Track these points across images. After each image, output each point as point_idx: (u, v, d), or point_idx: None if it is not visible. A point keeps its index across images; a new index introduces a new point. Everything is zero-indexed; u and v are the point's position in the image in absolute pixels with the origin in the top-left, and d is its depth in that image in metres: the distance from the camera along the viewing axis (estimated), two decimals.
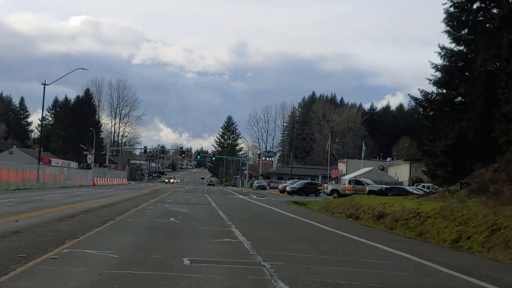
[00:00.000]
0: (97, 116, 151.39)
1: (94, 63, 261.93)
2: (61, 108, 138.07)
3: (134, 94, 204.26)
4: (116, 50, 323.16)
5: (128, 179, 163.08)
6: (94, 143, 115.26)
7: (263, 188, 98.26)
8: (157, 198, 48.94)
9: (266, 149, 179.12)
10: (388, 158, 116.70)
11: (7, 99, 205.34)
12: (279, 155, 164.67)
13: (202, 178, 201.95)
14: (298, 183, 72.04)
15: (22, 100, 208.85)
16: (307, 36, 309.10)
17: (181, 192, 68.88)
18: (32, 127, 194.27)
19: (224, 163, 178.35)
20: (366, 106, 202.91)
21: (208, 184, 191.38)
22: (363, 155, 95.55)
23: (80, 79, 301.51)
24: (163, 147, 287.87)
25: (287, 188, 71.52)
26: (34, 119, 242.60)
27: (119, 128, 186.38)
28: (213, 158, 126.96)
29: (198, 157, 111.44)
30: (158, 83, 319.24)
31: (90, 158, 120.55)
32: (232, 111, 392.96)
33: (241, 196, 65.57)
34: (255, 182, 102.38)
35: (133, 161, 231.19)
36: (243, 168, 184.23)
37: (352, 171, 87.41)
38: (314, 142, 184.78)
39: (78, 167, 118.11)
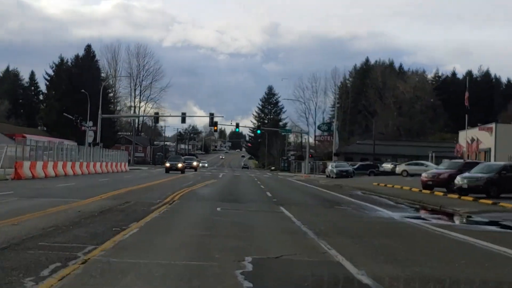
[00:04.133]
0: (106, 83, 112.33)
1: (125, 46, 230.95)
2: (55, 72, 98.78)
3: (157, 62, 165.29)
4: (147, 33, 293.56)
5: (150, 162, 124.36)
6: (100, 110, 75.39)
7: (348, 174, 57.27)
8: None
9: (315, 124, 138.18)
10: None
11: (13, 73, 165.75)
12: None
13: (245, 166, 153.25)
14: (481, 169, 27.68)
15: (32, 75, 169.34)
16: (340, 15, 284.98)
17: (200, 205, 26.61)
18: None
19: (265, 142, 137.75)
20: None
21: (243, 167, 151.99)
22: None
23: None
24: (194, 127, 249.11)
25: (460, 181, 27.78)
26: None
27: (139, 103, 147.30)
28: (258, 132, 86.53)
29: (237, 129, 69.55)
30: (190, 66, 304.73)
31: (91, 135, 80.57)
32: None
33: (390, 213, 21.42)
34: (330, 166, 61.08)
35: (168, 142, 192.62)
36: (288, 148, 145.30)
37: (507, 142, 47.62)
38: (373, 115, 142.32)
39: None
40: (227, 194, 26.83)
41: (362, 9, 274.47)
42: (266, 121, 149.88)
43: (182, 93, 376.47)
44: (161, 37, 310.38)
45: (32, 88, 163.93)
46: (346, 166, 59.94)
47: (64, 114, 77.51)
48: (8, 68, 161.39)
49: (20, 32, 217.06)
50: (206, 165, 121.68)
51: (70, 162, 51.01)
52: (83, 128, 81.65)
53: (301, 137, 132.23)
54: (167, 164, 65.80)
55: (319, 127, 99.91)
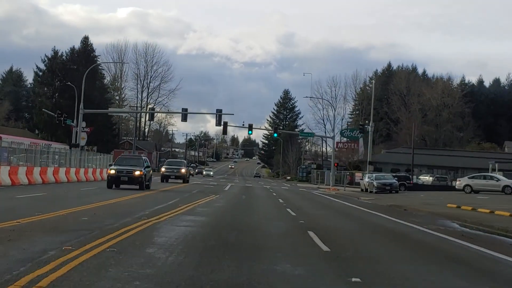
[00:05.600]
0: (105, 81, 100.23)
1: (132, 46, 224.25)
2: (47, 66, 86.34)
3: (167, 62, 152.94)
4: (163, 41, 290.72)
5: (155, 169, 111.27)
6: (82, 104, 62.83)
7: (393, 188, 43.43)
8: None
9: (333, 131, 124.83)
10: None
11: (17, 73, 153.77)
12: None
13: (257, 175, 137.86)
14: None
15: (36, 76, 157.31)
16: (355, 25, 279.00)
17: None
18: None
19: (280, 149, 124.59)
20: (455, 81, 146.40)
21: (255, 176, 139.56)
22: None
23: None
24: (206, 134, 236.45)
25: None
26: None
27: (147, 106, 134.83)
28: (275, 135, 73.45)
29: (250, 132, 56.04)
30: (204, 74, 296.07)
31: (84, 138, 68.09)
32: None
33: None
34: (367, 178, 46.75)
35: (178, 149, 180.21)
36: (304, 157, 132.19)
37: None
38: (396, 123, 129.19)
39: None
40: (228, 230, 13.85)
41: (377, 20, 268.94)
42: (281, 127, 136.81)
43: (196, 101, 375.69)
44: (176, 45, 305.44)
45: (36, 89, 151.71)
46: (390, 178, 46.22)
47: (43, 110, 64.80)
48: (11, 68, 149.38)
49: (36, 38, 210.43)
50: (211, 173, 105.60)
51: (52, 168, 39.34)
52: (74, 128, 68.84)
53: (322, 143, 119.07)
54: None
55: (342, 133, 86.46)
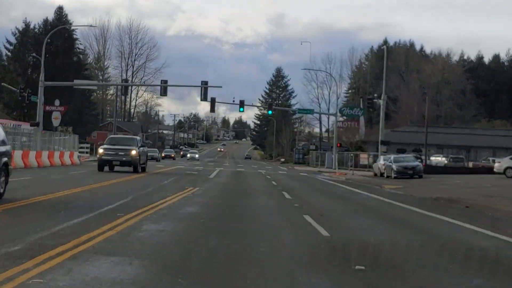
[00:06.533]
0: (89, 60, 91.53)
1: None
2: (18, 40, 77.36)
3: (152, 39, 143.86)
4: (152, 22, 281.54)
5: None
6: (42, 75, 54.15)
7: (416, 173, 34.28)
8: None
9: (328, 111, 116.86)
10: None
11: None
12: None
13: (248, 157, 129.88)
14: None
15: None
16: (346, 6, 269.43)
17: None
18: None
19: (274, 130, 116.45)
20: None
21: (245, 158, 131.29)
22: None
23: None
24: (196, 116, 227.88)
25: None
26: None
27: (131, 86, 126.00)
28: (269, 112, 65.39)
29: (241, 109, 46.74)
30: (193, 55, 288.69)
31: (58, 117, 59.66)
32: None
33: None
34: (382, 160, 37.33)
35: (167, 131, 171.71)
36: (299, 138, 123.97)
37: None
38: (394, 101, 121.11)
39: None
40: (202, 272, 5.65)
41: (368, 0, 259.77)
42: (273, 107, 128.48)
43: (186, 83, 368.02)
44: (165, 26, 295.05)
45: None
46: (412, 160, 37.55)
47: (3, 84, 56.26)
48: None
49: (23, 20, 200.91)
50: (196, 156, 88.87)
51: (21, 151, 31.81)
52: (48, 108, 60.24)
53: (319, 124, 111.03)
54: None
55: (341, 111, 78.37)
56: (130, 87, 69.46)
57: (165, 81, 46.34)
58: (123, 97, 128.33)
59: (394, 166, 35.51)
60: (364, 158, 56.70)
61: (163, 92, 45.62)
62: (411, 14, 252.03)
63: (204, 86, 43.68)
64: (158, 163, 56.30)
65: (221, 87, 50.78)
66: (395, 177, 34.98)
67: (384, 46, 50.05)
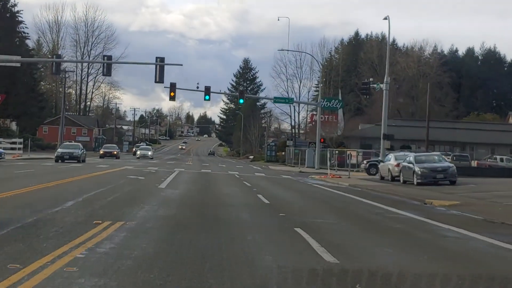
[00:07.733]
0: (44, 50, 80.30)
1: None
2: None
3: (110, 26, 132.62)
4: (115, 18, 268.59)
5: (93, 148, 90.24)
6: None
7: (448, 178, 24.54)
8: None
9: (299, 105, 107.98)
10: None
11: None
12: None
13: (211, 153, 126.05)
14: None
15: None
16: (311, 2, 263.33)
17: None
18: None
19: (241, 125, 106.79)
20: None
21: (209, 154, 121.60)
22: None
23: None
24: (159, 111, 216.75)
25: None
26: None
27: (87, 77, 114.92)
28: (241, 101, 54.60)
29: (207, 97, 36.69)
30: (157, 51, 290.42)
31: None
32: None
33: None
34: (393, 158, 27.42)
35: (127, 126, 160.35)
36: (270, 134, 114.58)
37: None
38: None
39: None
40: None
41: None
42: (245, 95, 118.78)
43: (149, 78, 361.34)
44: (128, 21, 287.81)
45: None
46: (439, 161, 27.25)
47: None
48: None
49: None
50: (149, 153, 70.20)
51: None
52: None
53: (294, 116, 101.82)
54: None
55: (322, 104, 69.10)
56: (62, 67, 58.61)
57: (109, 57, 36.30)
58: (78, 91, 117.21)
59: (417, 168, 25.81)
60: (353, 156, 47.49)
61: (107, 72, 35.30)
62: (375, 11, 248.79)
63: (160, 64, 33.75)
64: (98, 163, 44.33)
65: (181, 65, 40.95)
66: (418, 183, 25.56)
67: (385, 20, 40.54)
